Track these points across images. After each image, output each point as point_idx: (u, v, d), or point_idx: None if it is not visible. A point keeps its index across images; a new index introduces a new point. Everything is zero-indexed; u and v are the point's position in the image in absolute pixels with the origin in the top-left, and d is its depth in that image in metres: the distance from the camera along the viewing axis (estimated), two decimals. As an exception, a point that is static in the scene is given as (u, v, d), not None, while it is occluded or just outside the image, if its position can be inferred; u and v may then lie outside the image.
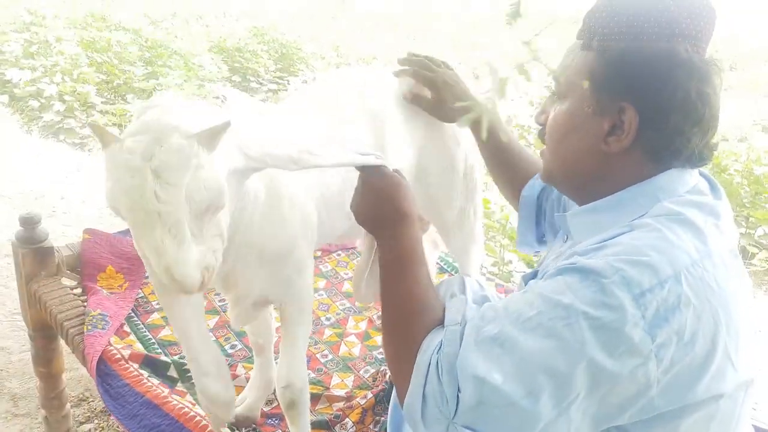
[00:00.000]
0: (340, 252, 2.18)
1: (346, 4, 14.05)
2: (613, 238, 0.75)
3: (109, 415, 2.00)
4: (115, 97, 5.43)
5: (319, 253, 2.13)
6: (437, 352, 0.77)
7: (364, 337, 1.79)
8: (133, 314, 1.73)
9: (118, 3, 9.01)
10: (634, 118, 0.77)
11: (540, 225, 1.18)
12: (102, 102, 5.09)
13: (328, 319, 1.85)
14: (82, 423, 1.97)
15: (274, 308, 1.42)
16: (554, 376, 0.68)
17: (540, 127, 0.92)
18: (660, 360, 0.68)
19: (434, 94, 1.34)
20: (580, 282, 0.70)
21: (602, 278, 0.69)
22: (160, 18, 8.77)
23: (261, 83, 6.30)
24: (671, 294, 0.68)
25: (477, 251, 1.60)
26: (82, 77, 5.19)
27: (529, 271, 1.13)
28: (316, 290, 1.96)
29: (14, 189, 3.57)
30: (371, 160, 0.97)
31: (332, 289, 1.99)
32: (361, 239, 1.68)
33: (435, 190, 1.45)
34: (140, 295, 1.82)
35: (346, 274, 2.07)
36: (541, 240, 1.19)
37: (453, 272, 2.06)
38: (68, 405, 1.87)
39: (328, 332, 1.79)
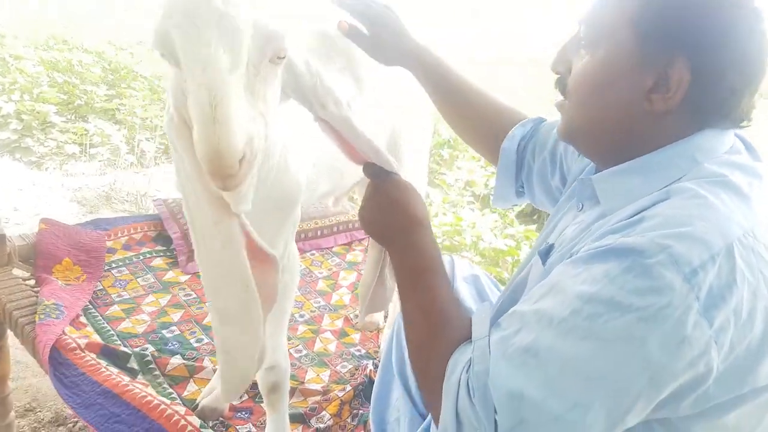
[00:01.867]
0: (314, 252, 2.11)
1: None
2: (650, 207, 0.66)
3: (58, 426, 1.85)
4: (75, 117, 5.27)
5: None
6: (466, 371, 0.68)
7: (341, 334, 1.70)
8: (90, 306, 1.61)
9: (80, 28, 8.90)
10: (687, 74, 0.67)
11: (519, 178, 1.11)
12: (62, 121, 4.94)
13: (302, 316, 1.76)
14: (28, 434, 1.81)
15: None
16: (603, 383, 0.59)
17: (557, 77, 0.83)
18: (720, 346, 0.59)
19: (370, 31, 1.16)
20: (620, 266, 0.60)
21: (646, 258, 0.59)
22: (124, 45, 8.68)
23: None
24: (724, 269, 0.60)
25: None
26: (41, 96, 5.03)
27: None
28: (289, 287, 1.86)
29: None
30: (392, 164, 0.92)
31: (306, 287, 1.90)
32: (335, 201, 1.64)
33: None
34: (99, 288, 1.70)
35: (320, 273, 1.99)
36: (519, 193, 1.13)
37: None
38: (12, 413, 1.71)
39: (302, 328, 1.70)
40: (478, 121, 1.16)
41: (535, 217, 3.19)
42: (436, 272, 0.82)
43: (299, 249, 2.04)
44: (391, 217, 0.87)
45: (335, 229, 2.17)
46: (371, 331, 1.72)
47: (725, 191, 0.66)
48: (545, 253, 0.84)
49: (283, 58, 0.79)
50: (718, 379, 0.60)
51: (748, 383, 0.62)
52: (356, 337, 1.69)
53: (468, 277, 1.21)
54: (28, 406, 1.92)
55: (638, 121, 0.72)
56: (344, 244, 2.18)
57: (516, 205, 1.19)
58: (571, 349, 0.61)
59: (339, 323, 1.74)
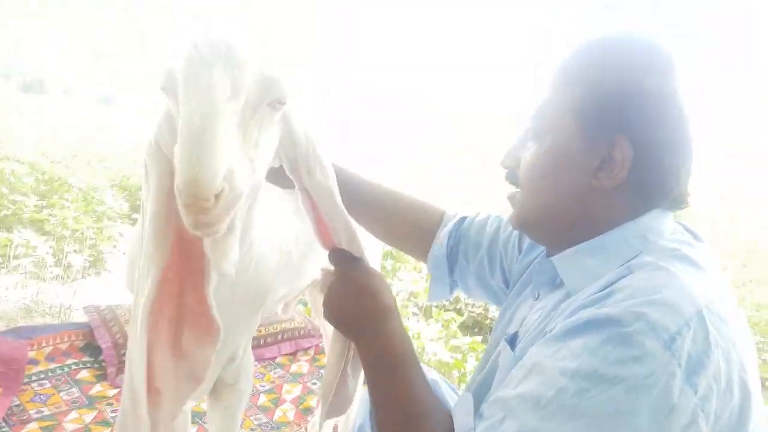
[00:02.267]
0: (256, 363, 1.99)
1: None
2: (616, 281, 0.67)
3: None
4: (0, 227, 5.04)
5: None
6: None
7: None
8: (3, 424, 1.43)
9: (11, 139, 8.73)
10: (629, 151, 0.71)
11: (452, 276, 1.10)
12: (-15, 232, 4.69)
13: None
14: None
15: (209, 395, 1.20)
16: None
17: (507, 171, 0.85)
18: (707, 414, 0.57)
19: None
20: (599, 337, 0.60)
21: (624, 327, 0.59)
22: (58, 158, 8.55)
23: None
24: (699, 335, 0.59)
25: None
26: (-37, 205, 4.81)
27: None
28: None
29: None
30: (362, 250, 0.90)
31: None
32: (286, 306, 1.56)
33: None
34: (15, 403, 1.53)
35: (262, 386, 1.87)
36: (452, 288, 1.12)
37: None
38: None
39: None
40: (400, 228, 1.15)
41: (476, 329, 3.19)
42: (410, 362, 0.79)
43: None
44: (360, 305, 0.84)
45: (279, 337, 2.07)
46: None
47: (682, 263, 0.68)
48: (511, 341, 0.82)
49: (284, 104, 0.78)
50: None
51: None
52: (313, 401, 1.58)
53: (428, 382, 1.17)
54: None
55: (589, 202, 0.75)
56: (288, 354, 2.07)
57: (449, 299, 1.20)
58: (562, 429, 0.59)
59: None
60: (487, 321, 3.38)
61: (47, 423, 1.49)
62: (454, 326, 2.97)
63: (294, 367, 2.01)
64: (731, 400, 0.59)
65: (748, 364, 0.63)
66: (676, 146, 0.74)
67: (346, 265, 0.89)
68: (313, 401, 1.77)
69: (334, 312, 0.87)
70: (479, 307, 3.53)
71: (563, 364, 0.61)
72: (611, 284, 0.67)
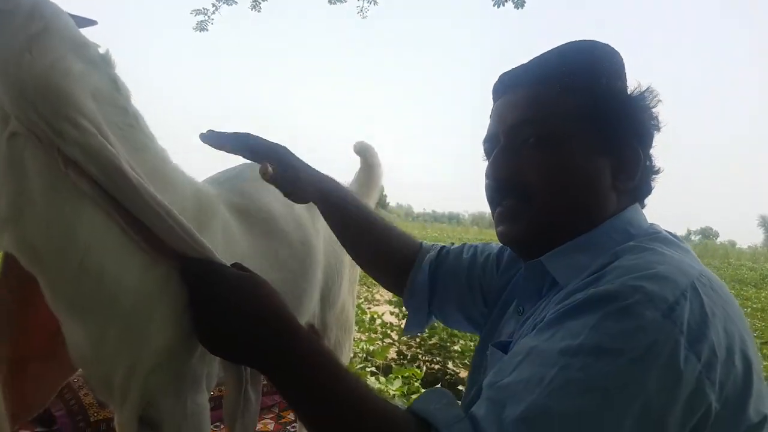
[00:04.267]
0: (218, 424, 1.93)
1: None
2: (606, 266, 0.68)
3: None
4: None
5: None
6: None
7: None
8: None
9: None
10: (639, 154, 0.77)
11: (431, 306, 1.07)
12: None
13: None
14: None
15: None
16: None
17: (498, 186, 0.82)
18: (712, 382, 0.57)
19: (284, 168, 1.03)
20: (597, 314, 0.60)
21: (622, 301, 0.59)
22: None
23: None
24: (695, 305, 0.60)
25: (350, 343, 1.58)
26: None
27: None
28: None
29: None
30: (205, 244, 0.76)
31: None
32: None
33: (325, 287, 1.41)
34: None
35: None
36: (429, 317, 1.10)
37: None
38: None
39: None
40: (380, 254, 1.11)
41: (436, 384, 3.19)
42: (339, 373, 0.69)
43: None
44: (256, 326, 0.71)
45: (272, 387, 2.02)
46: None
47: (666, 244, 0.71)
48: (502, 347, 0.80)
49: None
50: (717, 420, 0.58)
51: (743, 422, 0.60)
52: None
53: None
54: None
55: (600, 208, 0.78)
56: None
57: (424, 331, 1.18)
58: (570, 406, 0.57)
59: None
60: (447, 376, 3.39)
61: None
62: (416, 382, 2.96)
63: (259, 426, 1.96)
64: (733, 370, 0.59)
65: (745, 333, 0.64)
66: (650, 144, 0.80)
67: (215, 280, 0.75)
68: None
69: (220, 343, 0.73)
70: (437, 363, 3.54)
71: (563, 344, 0.60)
72: (602, 268, 0.68)
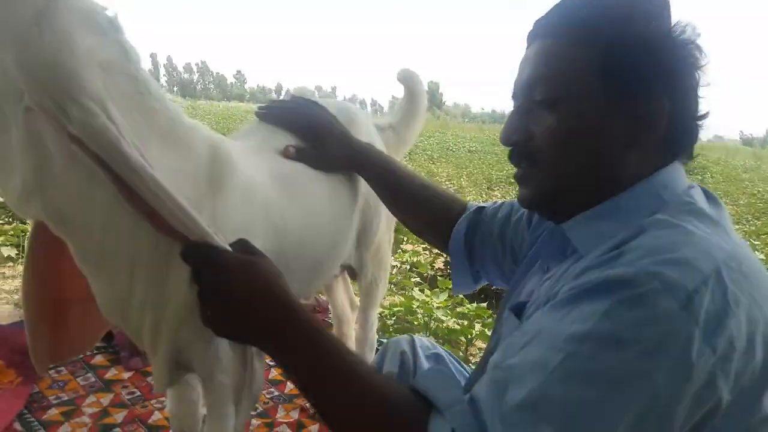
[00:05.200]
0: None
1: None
2: (628, 242, 0.64)
3: None
4: (12, 218, 5.11)
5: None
6: None
7: (297, 427, 1.63)
8: (26, 411, 1.49)
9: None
10: (666, 106, 0.69)
11: (473, 267, 1.10)
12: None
13: (255, 409, 1.68)
14: None
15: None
16: (613, 425, 0.56)
17: (512, 149, 0.80)
18: (726, 374, 0.56)
19: (314, 143, 1.20)
20: (610, 300, 0.58)
21: (637, 288, 0.57)
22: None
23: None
24: (717, 293, 0.57)
25: (385, 279, 1.59)
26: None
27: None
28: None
29: None
30: (210, 232, 0.77)
31: (258, 377, 1.83)
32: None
33: (361, 229, 1.41)
34: (35, 391, 1.59)
35: (271, 361, 1.92)
36: (476, 279, 1.13)
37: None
38: None
39: (255, 422, 1.62)
40: (426, 217, 1.17)
41: (482, 296, 3.24)
42: (340, 352, 0.71)
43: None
44: (255, 310, 0.73)
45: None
46: None
47: (698, 218, 0.65)
48: (518, 310, 0.80)
49: None
50: (728, 410, 0.57)
51: (756, 413, 0.59)
52: (314, 428, 1.63)
53: (431, 356, 1.17)
54: None
55: (620, 168, 0.72)
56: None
57: (476, 289, 1.19)
58: (573, 396, 0.56)
59: (294, 414, 1.67)
60: (493, 287, 3.42)
61: (66, 408, 1.55)
62: (460, 295, 3.01)
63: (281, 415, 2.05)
64: (753, 359, 0.58)
65: None
66: (696, 95, 0.72)
67: (214, 264, 0.76)
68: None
69: (227, 326, 0.76)
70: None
71: (573, 329, 0.58)
72: (623, 243, 0.65)
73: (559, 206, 0.78)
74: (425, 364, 1.15)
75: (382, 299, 1.61)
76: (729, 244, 0.63)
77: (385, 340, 1.53)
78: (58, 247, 0.86)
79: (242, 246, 0.82)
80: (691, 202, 0.69)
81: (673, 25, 0.72)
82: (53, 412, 1.52)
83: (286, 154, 1.16)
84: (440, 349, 1.23)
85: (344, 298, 1.71)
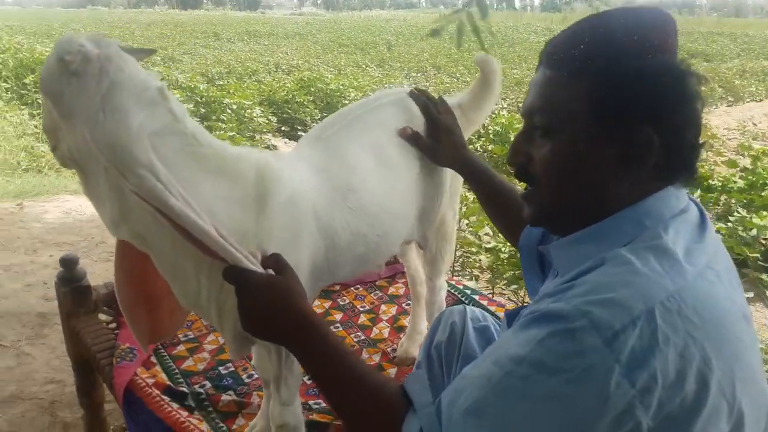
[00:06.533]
0: (358, 286, 2.27)
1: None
2: (583, 275, 0.71)
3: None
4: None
5: (338, 287, 2.23)
6: None
7: (377, 368, 1.84)
8: (160, 347, 1.86)
9: (177, 64, 9.62)
10: (655, 139, 0.73)
11: (543, 272, 1.10)
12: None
13: (342, 350, 1.91)
14: (122, 451, 2.10)
15: None
16: None
17: (517, 169, 0.85)
18: (647, 405, 0.62)
19: (433, 136, 1.43)
20: (546, 331, 0.66)
21: (569, 324, 0.64)
22: (216, 76, 9.32)
23: (307, 131, 6.57)
24: (645, 332, 0.63)
25: (450, 251, 1.69)
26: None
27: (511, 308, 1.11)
28: (332, 323, 2.05)
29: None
30: (240, 258, 0.97)
31: (348, 321, 2.06)
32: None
33: (422, 209, 1.52)
34: (168, 330, 1.95)
35: (363, 307, 2.15)
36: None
37: (469, 302, 2.10)
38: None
39: (341, 363, 1.85)
40: (518, 221, 1.18)
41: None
42: (343, 360, 0.88)
43: (344, 283, 2.21)
44: (275, 322, 0.93)
45: (379, 263, 2.31)
46: (408, 366, 1.85)
47: (656, 255, 0.69)
48: (511, 317, 0.90)
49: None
50: None
51: None
52: (392, 371, 1.83)
53: (479, 328, 1.26)
54: (123, 425, 2.22)
55: (607, 192, 0.77)
56: (387, 277, 2.32)
57: None
58: (507, 409, 0.66)
59: (376, 357, 1.88)
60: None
61: (191, 345, 1.90)
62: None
63: (392, 290, 2.26)
64: (681, 391, 0.63)
65: (714, 355, 0.65)
66: (695, 122, 0.75)
67: (242, 284, 0.96)
68: (406, 320, 2.00)
69: (256, 332, 0.96)
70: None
71: (515, 351, 0.68)
72: (582, 274, 0.72)
73: (559, 226, 0.85)
74: (472, 335, 1.26)
75: (450, 265, 1.72)
76: (677, 284, 0.67)
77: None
78: (145, 255, 1.10)
79: (275, 261, 1.02)
80: (657, 237, 0.72)
81: (675, 58, 0.74)
82: (180, 348, 1.88)
83: (402, 133, 1.43)
84: (490, 321, 1.32)
85: (416, 260, 1.84)
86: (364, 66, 12.75)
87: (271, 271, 1.02)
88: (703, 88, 0.75)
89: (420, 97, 1.48)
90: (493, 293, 3.16)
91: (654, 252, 0.70)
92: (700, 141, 0.77)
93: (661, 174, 0.76)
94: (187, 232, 0.95)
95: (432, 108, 1.46)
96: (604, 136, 0.75)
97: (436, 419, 0.75)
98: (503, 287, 3.21)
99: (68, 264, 1.79)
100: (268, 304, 0.94)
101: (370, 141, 1.37)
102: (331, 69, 11.40)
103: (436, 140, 1.43)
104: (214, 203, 1.05)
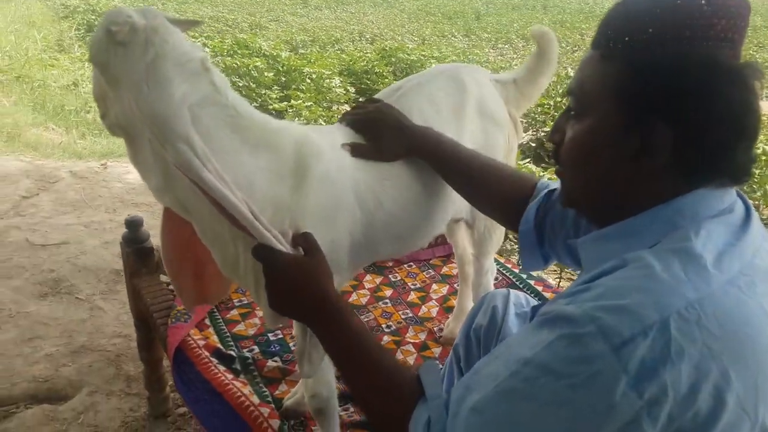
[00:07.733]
0: (411, 264, 2.25)
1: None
2: (600, 277, 0.69)
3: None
4: (252, 118, 5.94)
5: (390, 264, 2.22)
6: (427, 431, 0.76)
7: (422, 347, 1.84)
8: (215, 310, 1.94)
9: (263, 31, 9.81)
10: (669, 135, 0.69)
11: (543, 248, 1.13)
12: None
13: (388, 327, 1.92)
14: (179, 406, 2.22)
15: None
16: None
17: (554, 147, 0.84)
18: (654, 418, 0.59)
19: (375, 136, 1.28)
20: (555, 334, 0.65)
21: (577, 329, 0.63)
22: (300, 44, 9.45)
23: (383, 103, 6.54)
24: (658, 343, 0.60)
25: (500, 231, 1.64)
26: (223, 100, 5.72)
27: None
28: (381, 298, 2.05)
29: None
30: (269, 238, 0.98)
31: (398, 298, 2.06)
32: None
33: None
34: (224, 294, 2.02)
35: (414, 284, 2.14)
36: (547, 260, 1.15)
37: (521, 286, 2.04)
38: (168, 388, 2.13)
39: (386, 339, 1.87)
40: (490, 197, 1.22)
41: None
42: (357, 340, 0.90)
43: (397, 260, 2.21)
44: (298, 302, 0.96)
45: (435, 241, 2.28)
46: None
47: (680, 260, 0.66)
48: (534, 310, 0.90)
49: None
50: None
51: None
52: (437, 351, 1.82)
53: (521, 314, 1.24)
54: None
55: (627, 185, 0.74)
56: (442, 257, 2.29)
57: (545, 268, 1.22)
58: (510, 409, 0.66)
59: (422, 336, 1.88)
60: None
61: (244, 310, 1.96)
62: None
63: (445, 269, 2.23)
64: (695, 404, 0.60)
65: (733, 371, 0.62)
66: (728, 121, 0.68)
67: (268, 264, 0.98)
68: (456, 301, 1.98)
69: (280, 309, 0.99)
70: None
71: (523, 352, 0.67)
72: (602, 274, 0.69)
73: (585, 212, 0.86)
74: (512, 321, 1.23)
75: (499, 246, 1.67)
76: (700, 292, 0.64)
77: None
78: (189, 222, 1.14)
79: (304, 240, 1.03)
80: (686, 240, 0.68)
81: (734, 47, 0.68)
82: (234, 313, 1.95)
83: (345, 149, 1.26)
84: (533, 304, 1.29)
85: (465, 240, 1.80)
86: (450, 36, 12.50)
87: (300, 250, 1.02)
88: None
89: (346, 118, 1.35)
90: (560, 278, 3.06)
91: (679, 256, 0.66)
92: (745, 141, 0.70)
93: (689, 172, 0.71)
94: (221, 206, 0.97)
95: (359, 113, 1.33)
96: (623, 126, 0.72)
97: (444, 412, 0.75)
98: (571, 273, 3.10)
99: (133, 225, 1.88)
100: (292, 283, 0.96)
101: (417, 117, 1.33)
102: (415, 38, 11.28)
103: (378, 138, 1.29)
104: (254, 174, 1.07)
